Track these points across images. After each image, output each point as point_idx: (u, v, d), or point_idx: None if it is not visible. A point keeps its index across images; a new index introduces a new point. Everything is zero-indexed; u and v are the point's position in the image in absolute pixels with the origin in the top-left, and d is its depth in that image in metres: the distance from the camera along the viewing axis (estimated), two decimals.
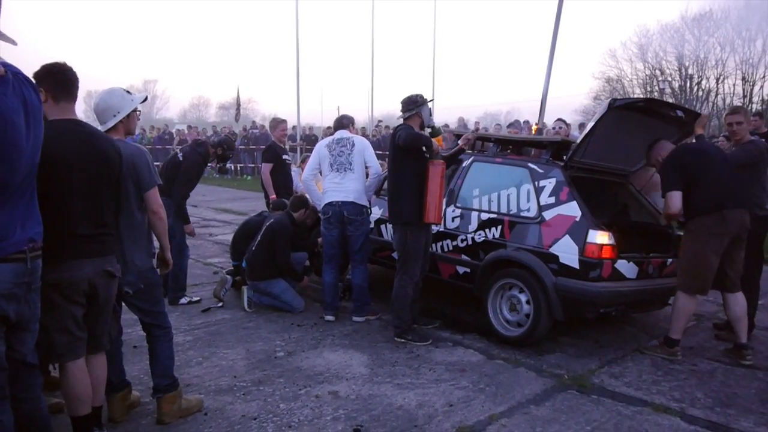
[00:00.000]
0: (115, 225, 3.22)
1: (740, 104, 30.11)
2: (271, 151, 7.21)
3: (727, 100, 35.93)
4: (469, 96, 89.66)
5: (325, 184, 5.77)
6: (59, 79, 2.94)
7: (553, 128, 7.16)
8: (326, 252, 5.80)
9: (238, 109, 30.39)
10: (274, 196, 6.97)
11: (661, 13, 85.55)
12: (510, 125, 11.58)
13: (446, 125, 17.02)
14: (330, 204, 5.64)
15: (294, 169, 8.10)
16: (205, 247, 9.07)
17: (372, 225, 6.29)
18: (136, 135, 20.76)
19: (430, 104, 5.35)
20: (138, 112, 3.55)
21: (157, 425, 3.56)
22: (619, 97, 5.48)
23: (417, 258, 5.16)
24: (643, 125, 5.21)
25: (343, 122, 6.03)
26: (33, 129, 2.46)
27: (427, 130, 5.41)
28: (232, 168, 23.35)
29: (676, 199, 4.74)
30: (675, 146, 5.09)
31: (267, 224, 6.10)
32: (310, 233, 6.68)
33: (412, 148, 4.99)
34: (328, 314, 5.70)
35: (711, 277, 4.79)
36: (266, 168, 7.15)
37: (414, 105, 5.18)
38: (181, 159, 5.96)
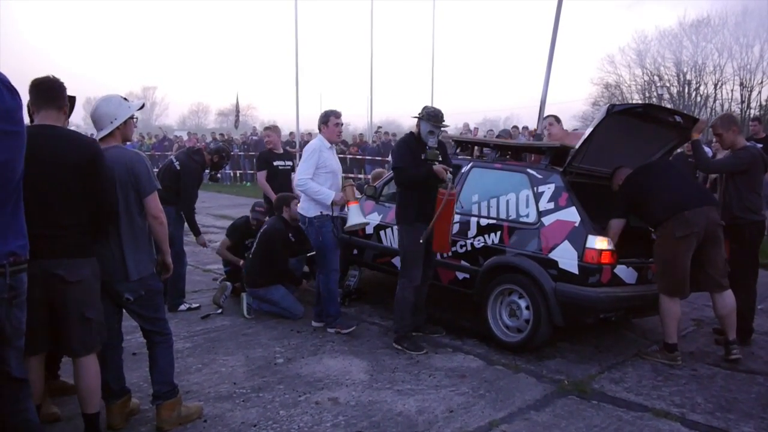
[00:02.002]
0: (78, 227, 3.10)
1: (730, 112, 30.06)
2: (261, 159, 7.28)
3: (725, 106, 36.05)
4: (468, 102, 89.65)
5: None
6: (40, 89, 3.10)
7: (543, 128, 7.04)
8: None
9: (237, 115, 30.51)
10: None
11: (659, 19, 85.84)
12: (498, 136, 11.55)
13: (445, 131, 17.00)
14: None
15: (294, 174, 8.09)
16: (204, 253, 9.03)
17: (371, 231, 6.30)
18: (135, 142, 20.82)
19: (442, 133, 5.28)
20: (135, 119, 3.59)
21: None
22: (617, 103, 5.44)
23: (414, 260, 5.11)
24: (641, 131, 5.23)
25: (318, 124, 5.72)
26: (4, 138, 2.36)
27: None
28: (231, 174, 23.37)
29: (614, 225, 4.98)
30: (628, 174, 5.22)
31: (261, 231, 6.11)
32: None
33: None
34: (315, 320, 5.69)
35: (685, 278, 4.84)
36: (261, 176, 7.17)
37: (419, 113, 5.08)
38: (178, 168, 5.94)
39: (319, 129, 5.54)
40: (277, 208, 6.19)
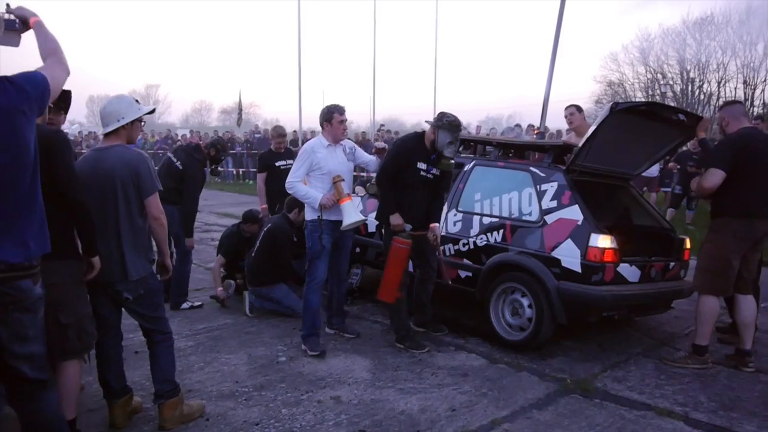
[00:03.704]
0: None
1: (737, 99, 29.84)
2: (263, 161, 7.26)
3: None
4: (471, 99, 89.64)
5: None
6: None
7: (564, 117, 6.89)
8: None
9: (240, 113, 30.48)
10: (265, 206, 6.98)
11: (662, 17, 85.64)
12: (502, 134, 11.48)
13: None
14: None
15: None
16: (207, 252, 9.06)
17: (374, 230, 6.30)
18: (138, 140, 20.86)
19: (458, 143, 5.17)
20: (142, 123, 3.60)
21: (159, 431, 3.55)
22: (621, 101, 5.40)
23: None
24: (645, 129, 5.20)
25: (319, 122, 5.20)
26: None
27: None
28: (234, 172, 23.38)
29: (717, 177, 4.60)
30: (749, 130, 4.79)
31: (265, 229, 6.09)
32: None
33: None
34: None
35: (733, 277, 4.75)
36: (260, 178, 7.17)
37: (437, 121, 4.99)
38: (180, 168, 5.91)
39: (322, 127, 5.09)
40: (290, 208, 6.14)
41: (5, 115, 2.35)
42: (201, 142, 6.50)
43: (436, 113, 5.10)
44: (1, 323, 2.43)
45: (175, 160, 5.99)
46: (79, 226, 3.07)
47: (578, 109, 6.63)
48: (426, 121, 5.21)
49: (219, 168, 6.63)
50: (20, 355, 2.51)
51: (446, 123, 4.94)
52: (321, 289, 5.09)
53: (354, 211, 4.93)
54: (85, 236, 3.11)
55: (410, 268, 5.29)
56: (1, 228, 2.38)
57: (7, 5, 2.73)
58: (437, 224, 5.23)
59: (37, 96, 2.45)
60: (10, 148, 2.36)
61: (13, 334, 2.47)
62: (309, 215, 5.03)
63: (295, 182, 4.95)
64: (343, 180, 4.94)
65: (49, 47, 2.65)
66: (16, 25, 2.70)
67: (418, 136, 5.18)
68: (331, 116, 5.00)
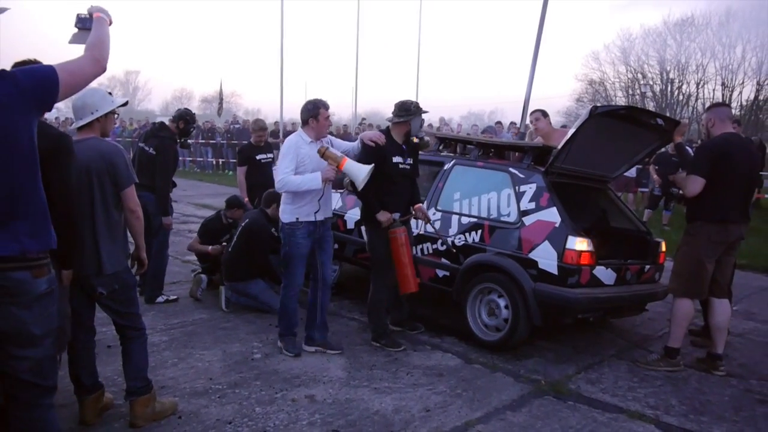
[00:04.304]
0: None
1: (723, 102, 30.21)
2: (243, 153, 7.21)
3: (707, 105, 36.38)
4: (453, 95, 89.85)
5: None
6: None
7: (530, 123, 6.90)
8: None
9: (220, 102, 30.26)
10: (247, 198, 6.94)
11: (644, 17, 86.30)
12: (484, 131, 11.48)
13: (429, 125, 17.02)
14: None
15: (276, 167, 8.02)
16: (184, 243, 8.91)
17: (352, 226, 6.28)
18: (116, 127, 20.53)
19: (424, 116, 5.20)
20: (116, 115, 3.55)
21: (130, 428, 3.51)
22: (600, 105, 5.42)
23: (378, 259, 5.10)
24: (624, 132, 5.23)
25: (301, 116, 4.88)
26: None
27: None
28: (213, 162, 23.18)
29: (698, 185, 4.67)
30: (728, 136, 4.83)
31: (242, 224, 6.04)
32: None
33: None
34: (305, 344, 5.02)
35: (707, 280, 4.81)
36: (240, 171, 7.14)
37: (406, 113, 5.01)
38: (154, 153, 5.82)
39: (306, 123, 4.76)
40: (267, 203, 6.06)
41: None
42: (165, 120, 6.35)
43: (423, 125, 5.05)
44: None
45: (147, 147, 5.90)
46: (60, 236, 2.76)
47: (543, 114, 6.61)
48: (389, 119, 5.16)
49: (188, 141, 6.48)
50: (20, 356, 2.40)
51: (415, 108, 5.01)
52: (298, 295, 4.91)
53: (358, 165, 4.64)
54: (64, 248, 2.89)
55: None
56: None
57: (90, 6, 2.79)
58: (420, 204, 5.28)
59: (38, 90, 2.35)
60: None
61: (12, 331, 2.35)
62: (286, 217, 4.75)
63: (287, 176, 4.60)
64: (327, 147, 4.69)
65: (92, 41, 2.58)
66: (89, 24, 2.72)
67: (385, 133, 5.11)
68: (318, 112, 4.71)
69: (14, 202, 2.32)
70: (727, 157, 4.64)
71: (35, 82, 2.35)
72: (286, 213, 4.76)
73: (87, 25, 2.75)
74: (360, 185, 4.61)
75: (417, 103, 5.07)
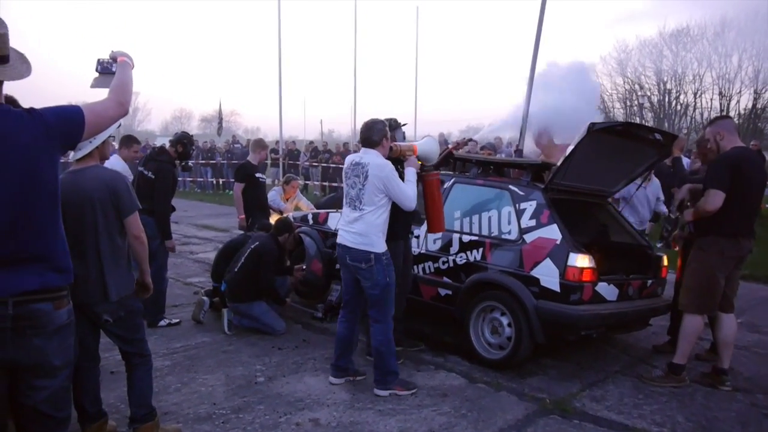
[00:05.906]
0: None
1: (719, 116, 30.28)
2: (242, 171, 7.22)
3: (705, 115, 36.46)
4: (452, 109, 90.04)
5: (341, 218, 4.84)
6: None
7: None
8: (343, 297, 4.83)
9: (220, 122, 30.40)
10: (243, 216, 6.99)
11: (639, 28, 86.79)
12: (483, 147, 11.44)
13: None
14: (338, 245, 4.64)
15: (275, 188, 8.04)
16: (186, 265, 8.98)
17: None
18: (115, 149, 20.62)
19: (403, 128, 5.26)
20: (112, 138, 3.58)
21: None
22: (598, 121, 5.42)
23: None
24: (622, 148, 5.26)
25: (372, 138, 4.49)
26: None
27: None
28: (214, 182, 23.22)
29: (719, 199, 4.54)
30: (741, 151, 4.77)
31: (252, 247, 6.04)
32: (290, 256, 6.65)
33: None
34: (332, 376, 4.72)
35: (719, 295, 4.77)
36: (237, 188, 7.15)
37: (392, 124, 4.91)
38: (153, 177, 5.86)
39: (373, 145, 4.47)
40: (280, 231, 6.13)
41: (16, 147, 2.27)
42: (164, 144, 6.40)
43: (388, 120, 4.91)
44: (18, 349, 2.31)
45: (146, 172, 5.93)
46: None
47: (545, 130, 6.61)
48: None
49: (189, 163, 6.55)
50: (38, 386, 2.38)
51: (395, 122, 5.07)
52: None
53: (423, 140, 4.90)
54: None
55: None
56: (14, 258, 2.30)
57: (112, 51, 2.89)
58: None
59: (65, 130, 2.39)
60: (22, 180, 2.28)
61: (33, 362, 2.35)
62: (381, 247, 4.44)
63: (410, 191, 4.46)
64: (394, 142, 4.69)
65: (116, 84, 2.65)
66: (113, 67, 2.81)
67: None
68: (387, 132, 4.55)
69: (39, 238, 2.35)
70: (741, 171, 4.61)
71: (62, 121, 2.39)
72: (380, 244, 4.45)
73: (108, 69, 2.85)
74: (430, 159, 4.80)
75: (391, 119, 5.05)
